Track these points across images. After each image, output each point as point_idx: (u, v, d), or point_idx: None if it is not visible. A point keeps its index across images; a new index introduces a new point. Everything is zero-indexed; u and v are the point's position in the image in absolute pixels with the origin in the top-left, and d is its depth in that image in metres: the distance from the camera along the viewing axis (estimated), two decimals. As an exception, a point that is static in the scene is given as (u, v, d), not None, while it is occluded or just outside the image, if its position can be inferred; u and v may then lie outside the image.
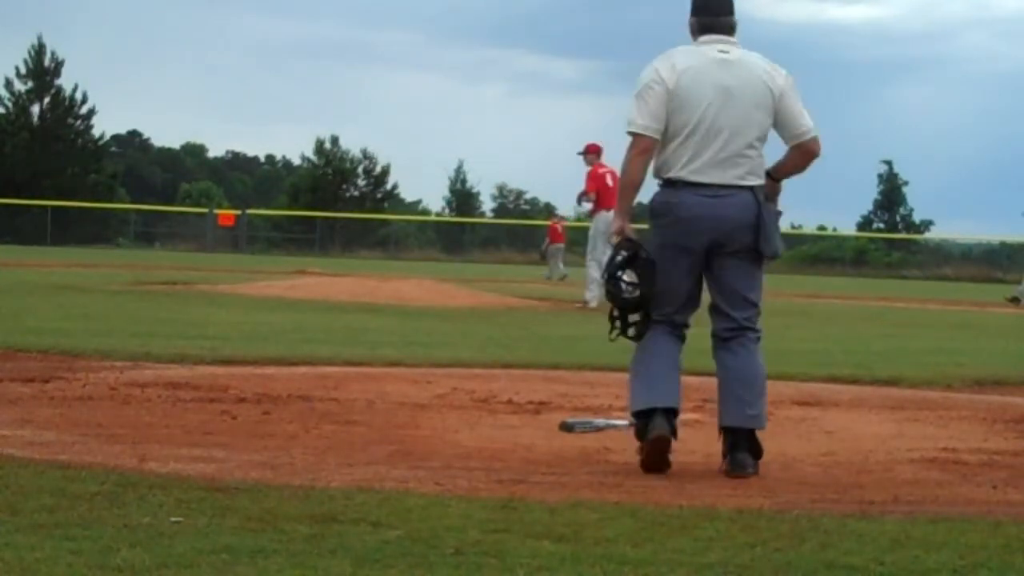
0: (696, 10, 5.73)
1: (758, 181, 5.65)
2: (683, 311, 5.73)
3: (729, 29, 5.69)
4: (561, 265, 36.05)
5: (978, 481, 5.63)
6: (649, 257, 5.60)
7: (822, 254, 65.46)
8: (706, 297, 5.82)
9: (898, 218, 75.90)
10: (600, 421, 6.65)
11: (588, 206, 19.34)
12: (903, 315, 20.97)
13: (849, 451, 6.28)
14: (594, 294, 18.33)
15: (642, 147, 5.61)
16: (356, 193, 74.54)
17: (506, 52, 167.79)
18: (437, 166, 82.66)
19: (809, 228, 72.22)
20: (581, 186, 18.97)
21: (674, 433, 5.57)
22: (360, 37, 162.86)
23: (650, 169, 5.74)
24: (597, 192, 18.56)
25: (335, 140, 74.79)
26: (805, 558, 3.92)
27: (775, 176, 5.79)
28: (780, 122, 5.66)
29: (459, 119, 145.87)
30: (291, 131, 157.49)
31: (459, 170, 79.41)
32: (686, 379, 9.40)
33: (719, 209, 5.57)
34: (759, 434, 5.67)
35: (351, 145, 75.49)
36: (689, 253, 5.63)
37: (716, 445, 6.34)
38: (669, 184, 5.66)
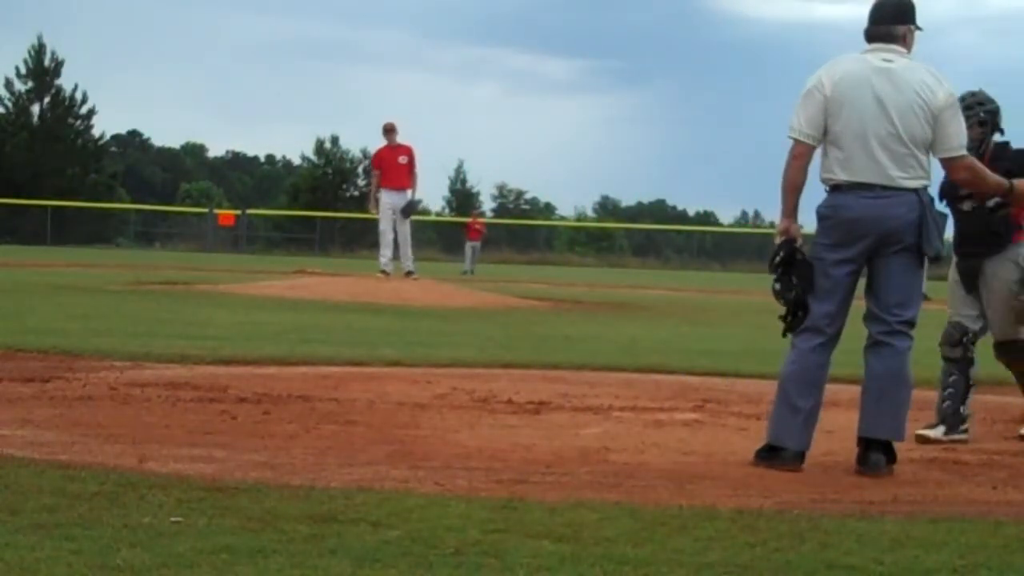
0: (868, 19, 5.94)
1: (922, 183, 5.82)
2: (835, 320, 5.88)
3: (891, 38, 5.84)
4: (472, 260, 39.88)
5: (978, 481, 5.64)
6: (806, 259, 5.82)
7: (822, 254, 65.31)
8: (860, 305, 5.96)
9: (898, 218, 75.77)
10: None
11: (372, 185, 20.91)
12: (903, 315, 20.93)
13: (849, 451, 6.27)
14: (388, 257, 20.06)
15: (797, 152, 5.83)
16: (356, 193, 74.45)
17: (497, 51, 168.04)
18: (436, 166, 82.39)
19: (808, 228, 71.89)
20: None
21: (802, 463, 5.79)
22: (362, 37, 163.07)
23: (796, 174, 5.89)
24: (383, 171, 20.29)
25: (335, 140, 74.75)
26: (805, 558, 3.92)
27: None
28: (934, 136, 5.79)
29: (456, 119, 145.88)
30: (291, 131, 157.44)
31: (459, 170, 79.47)
32: (686, 379, 9.38)
33: (882, 209, 5.74)
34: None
35: (351, 145, 75.47)
36: (850, 260, 5.81)
37: (716, 445, 6.34)
38: (835, 189, 5.84)
